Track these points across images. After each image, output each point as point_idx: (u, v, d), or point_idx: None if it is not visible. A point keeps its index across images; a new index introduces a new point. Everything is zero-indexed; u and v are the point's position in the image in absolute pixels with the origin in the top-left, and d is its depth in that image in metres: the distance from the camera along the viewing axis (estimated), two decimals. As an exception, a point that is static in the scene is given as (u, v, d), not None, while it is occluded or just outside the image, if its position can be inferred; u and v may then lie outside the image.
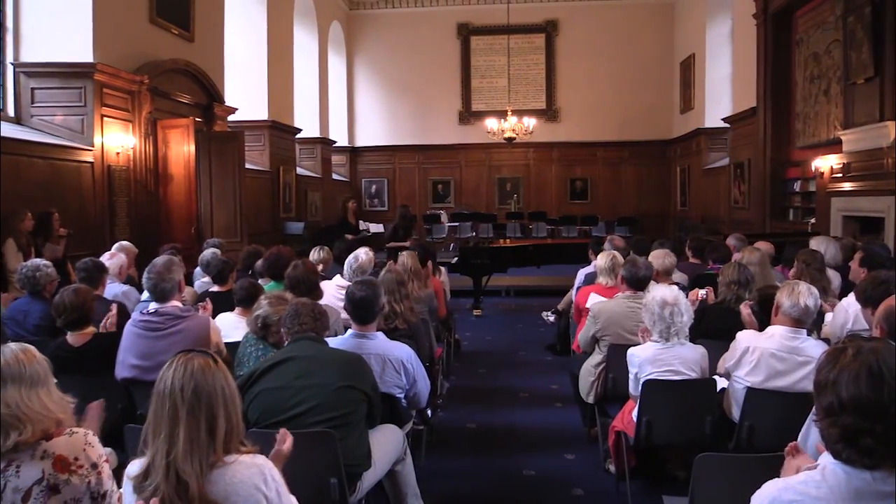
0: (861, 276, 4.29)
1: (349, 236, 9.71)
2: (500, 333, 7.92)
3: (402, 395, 3.23)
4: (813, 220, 9.85)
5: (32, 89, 7.28)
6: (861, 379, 1.43)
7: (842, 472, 1.46)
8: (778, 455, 1.97)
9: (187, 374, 1.70)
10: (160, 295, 3.38)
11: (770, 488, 1.54)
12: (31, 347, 1.90)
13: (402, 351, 3.23)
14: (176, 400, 1.68)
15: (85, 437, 1.85)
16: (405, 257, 4.72)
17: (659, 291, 3.18)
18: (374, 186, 17.69)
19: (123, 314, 3.93)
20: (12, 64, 7.21)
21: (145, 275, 3.46)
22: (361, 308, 3.20)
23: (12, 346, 1.85)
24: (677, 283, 4.64)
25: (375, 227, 14.96)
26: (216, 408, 1.68)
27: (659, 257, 4.80)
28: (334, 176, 16.40)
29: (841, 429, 1.45)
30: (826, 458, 1.51)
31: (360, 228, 13.48)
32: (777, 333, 2.97)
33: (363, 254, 4.84)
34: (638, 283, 3.96)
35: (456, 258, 8.96)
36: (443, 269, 6.55)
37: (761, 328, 3.18)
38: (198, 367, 1.71)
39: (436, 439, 4.46)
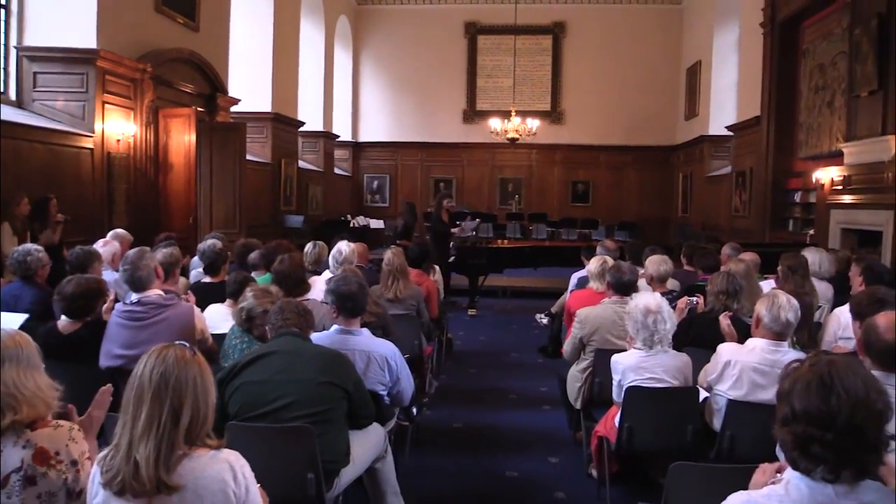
0: (859, 286, 4.31)
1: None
2: (493, 334, 7.91)
3: (385, 393, 3.23)
4: (812, 232, 9.83)
5: (35, 73, 7.29)
6: (812, 389, 1.46)
7: (804, 486, 1.47)
8: (754, 467, 1.97)
9: (159, 360, 1.71)
10: (138, 284, 3.41)
11: (734, 501, 1.55)
12: (23, 333, 1.92)
13: (386, 348, 3.22)
14: (144, 383, 1.69)
15: (69, 431, 1.85)
16: (391, 254, 4.72)
17: (642, 299, 3.17)
18: (375, 182, 17.70)
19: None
20: (16, 47, 7.23)
21: (120, 269, 3.47)
22: (345, 300, 3.19)
23: (7, 328, 1.89)
24: (672, 291, 4.64)
25: (376, 223, 14.99)
26: (183, 396, 1.68)
27: (655, 263, 4.75)
28: (336, 170, 16.41)
29: (793, 436, 1.47)
30: (790, 473, 1.52)
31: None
32: (758, 347, 2.96)
33: (345, 246, 4.88)
34: (623, 287, 3.96)
35: (453, 257, 8.95)
36: (437, 268, 6.55)
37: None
38: (171, 355, 1.72)
39: (421, 437, 4.46)
